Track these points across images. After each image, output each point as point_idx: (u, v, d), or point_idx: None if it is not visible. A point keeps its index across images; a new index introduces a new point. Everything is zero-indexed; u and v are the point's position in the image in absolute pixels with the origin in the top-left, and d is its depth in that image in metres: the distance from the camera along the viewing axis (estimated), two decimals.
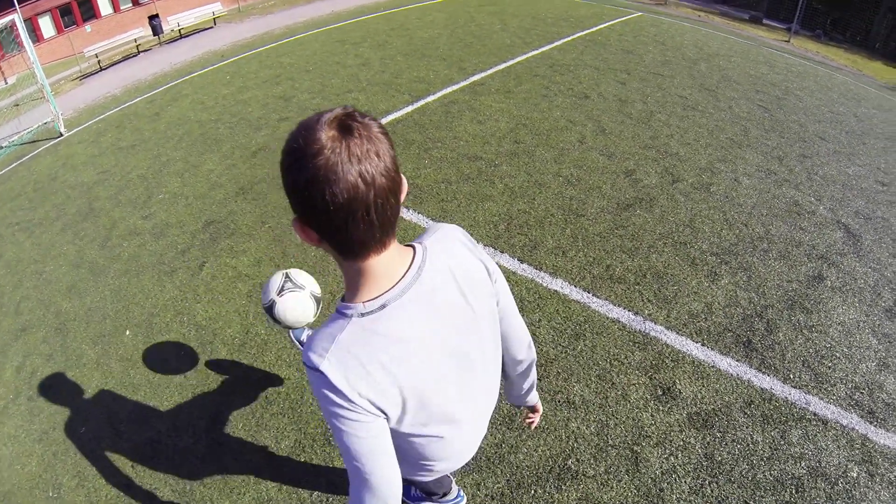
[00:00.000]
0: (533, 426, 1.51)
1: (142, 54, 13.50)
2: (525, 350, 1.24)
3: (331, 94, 6.48)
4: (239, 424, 2.58)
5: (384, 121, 5.57)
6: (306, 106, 6.22)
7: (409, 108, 5.87)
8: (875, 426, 2.47)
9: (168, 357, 3.07)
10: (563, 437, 2.37)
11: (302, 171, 0.73)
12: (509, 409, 2.49)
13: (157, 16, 15.28)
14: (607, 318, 3.01)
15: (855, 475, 2.24)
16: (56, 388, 3.06)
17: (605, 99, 5.97)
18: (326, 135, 0.73)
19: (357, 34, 9.47)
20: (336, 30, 10.29)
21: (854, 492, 2.18)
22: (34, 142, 7.69)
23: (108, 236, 4.40)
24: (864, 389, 2.65)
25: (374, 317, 0.88)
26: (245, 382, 2.80)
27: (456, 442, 1.16)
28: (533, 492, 2.16)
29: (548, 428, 2.41)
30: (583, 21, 9.58)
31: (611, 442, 2.35)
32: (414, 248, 0.96)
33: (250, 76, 7.89)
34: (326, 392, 0.86)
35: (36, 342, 3.45)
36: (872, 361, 2.82)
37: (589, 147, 4.90)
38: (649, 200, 4.11)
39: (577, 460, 2.27)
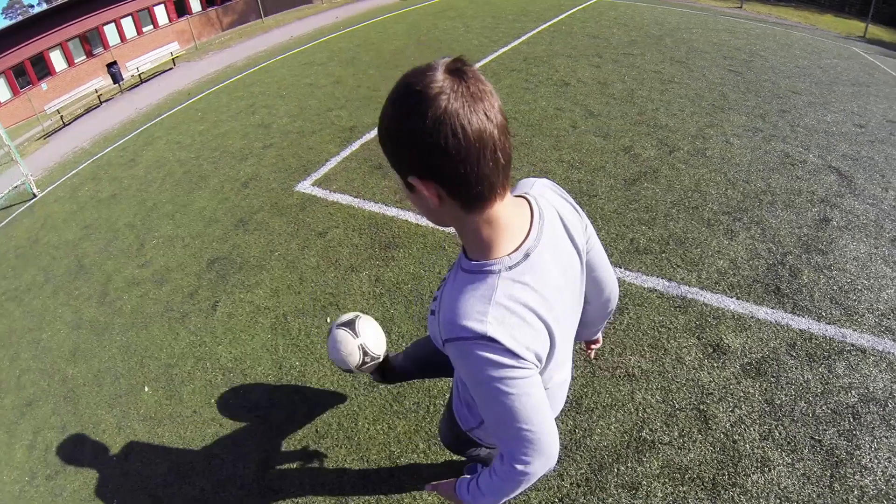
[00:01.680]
0: (593, 355, 1.60)
1: (104, 104, 13.25)
2: (616, 290, 1.27)
3: (312, 115, 6.42)
4: (293, 465, 2.42)
5: (372, 133, 5.55)
6: (288, 130, 6.15)
7: None
8: None
9: (197, 407, 2.88)
10: (632, 409, 2.37)
11: (427, 111, 0.71)
12: (573, 393, 2.48)
13: (115, 63, 15.09)
14: (644, 288, 3.04)
15: None
16: (76, 461, 2.84)
17: (586, 83, 6.05)
18: (443, 76, 0.72)
19: (322, 54, 9.44)
20: (300, 53, 10.25)
21: None
22: (7, 207, 7.43)
23: (105, 291, 4.22)
24: (890, 315, 2.78)
25: (520, 268, 0.86)
26: (289, 419, 2.64)
27: (563, 390, 1.20)
28: (616, 470, 2.15)
29: (615, 405, 2.41)
30: (543, 13, 9.73)
31: (677, 406, 2.37)
32: (524, 196, 0.96)
33: (223, 109, 7.77)
34: (494, 357, 0.82)
35: (45, 415, 3.22)
36: (891, 288, 2.96)
37: (583, 130, 4.95)
38: (653, 172, 4.17)
39: (651, 430, 2.28)
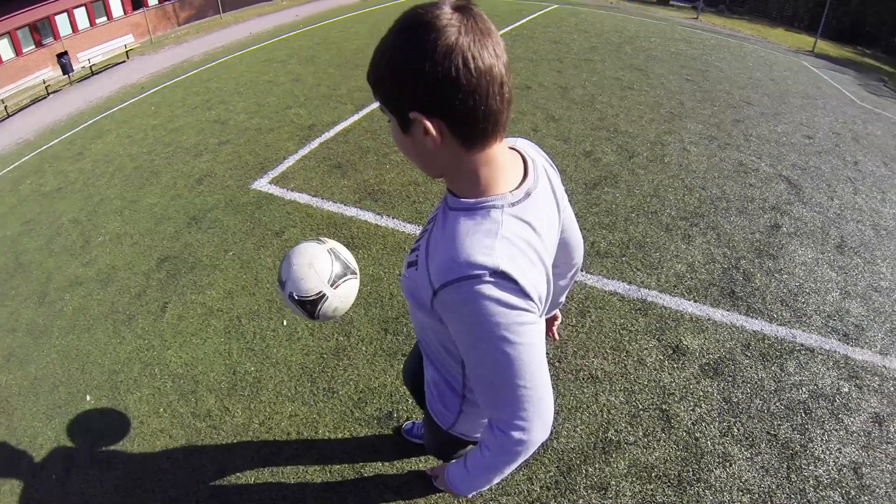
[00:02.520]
0: (556, 335, 1.53)
1: (52, 95, 12.50)
2: (582, 253, 1.26)
3: (269, 113, 6.24)
4: (250, 479, 2.25)
5: (333, 132, 5.43)
6: (245, 126, 5.95)
7: (356, 117, 5.77)
8: (851, 346, 2.78)
9: (144, 417, 2.66)
10: (597, 411, 2.38)
11: (438, 42, 0.68)
12: None
13: (65, 53, 14.18)
14: (605, 291, 3.07)
15: (847, 390, 2.53)
16: (10, 479, 2.55)
17: (547, 88, 6.13)
18: (450, 11, 0.70)
19: (282, 52, 9.22)
20: (259, 50, 9.98)
21: (850, 404, 2.46)
22: None
23: (45, 291, 3.91)
24: (835, 317, 2.95)
25: (522, 206, 0.82)
26: (245, 429, 2.49)
27: None
28: (584, 471, 2.16)
29: (580, 406, 2.41)
30: (505, 18, 9.84)
31: (641, 406, 2.40)
32: (512, 147, 0.93)
33: (177, 104, 7.45)
34: (504, 297, 0.75)
35: None
36: (836, 292, 3.13)
37: (544, 134, 5.00)
38: (613, 177, 4.24)
39: (616, 430, 2.30)
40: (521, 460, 0.89)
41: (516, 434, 0.84)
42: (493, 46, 0.71)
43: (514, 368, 0.79)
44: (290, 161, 4.96)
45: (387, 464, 2.25)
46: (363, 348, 2.84)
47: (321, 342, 2.91)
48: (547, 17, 9.93)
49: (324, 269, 1.46)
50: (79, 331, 3.42)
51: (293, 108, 6.29)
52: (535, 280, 0.79)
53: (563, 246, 1.15)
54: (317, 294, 1.45)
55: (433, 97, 0.71)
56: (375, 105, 5.92)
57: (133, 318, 3.40)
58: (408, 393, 2.53)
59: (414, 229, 3.72)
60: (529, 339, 0.78)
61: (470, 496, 1.02)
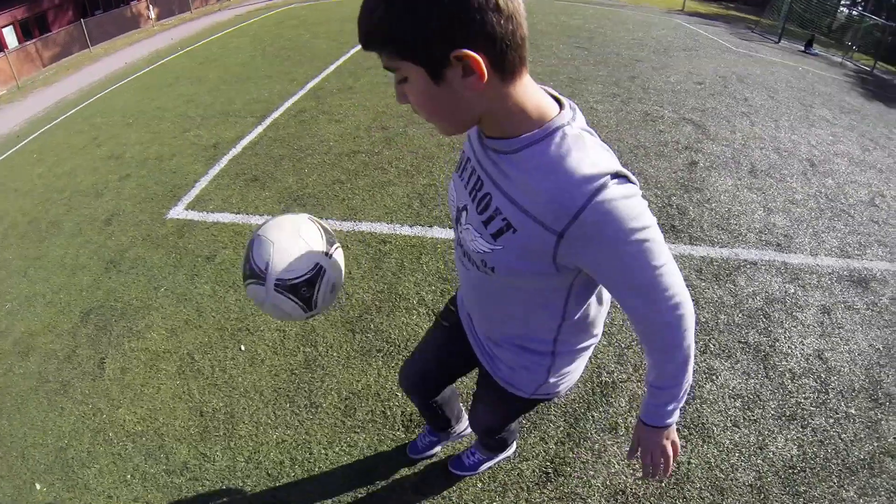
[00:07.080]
0: None
1: None
2: None
3: (167, 139, 5.81)
4: None
5: (240, 146, 5.17)
6: (144, 157, 5.49)
7: (260, 129, 5.53)
8: (786, 253, 3.14)
9: (111, 491, 2.31)
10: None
11: None
12: None
13: None
14: None
15: (793, 291, 2.85)
16: None
17: None
18: None
19: (167, 77, 8.62)
20: (140, 77, 9.29)
21: (800, 301, 2.78)
22: None
23: None
24: (765, 231, 3.29)
25: (578, 120, 0.82)
26: (231, 472, 2.23)
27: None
28: (591, 417, 2.21)
29: None
30: None
31: (623, 345, 2.52)
32: None
33: (62, 147, 6.74)
34: (629, 190, 0.74)
35: None
36: (760, 210, 3.49)
37: None
38: None
39: (608, 372, 2.38)
40: (692, 330, 0.87)
41: (677, 311, 0.83)
42: None
43: (655, 254, 0.77)
44: (203, 183, 4.65)
45: (396, 462, 2.16)
46: (334, 354, 2.70)
47: (287, 359, 2.73)
48: None
49: (314, 235, 1.17)
50: (7, 414, 2.93)
51: (191, 130, 5.91)
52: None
53: None
54: (313, 269, 1.14)
55: (476, 27, 0.67)
56: (275, 115, 5.73)
57: (68, 384, 2.98)
58: (396, 388, 2.45)
59: (351, 226, 3.62)
60: (652, 218, 0.77)
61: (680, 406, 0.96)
